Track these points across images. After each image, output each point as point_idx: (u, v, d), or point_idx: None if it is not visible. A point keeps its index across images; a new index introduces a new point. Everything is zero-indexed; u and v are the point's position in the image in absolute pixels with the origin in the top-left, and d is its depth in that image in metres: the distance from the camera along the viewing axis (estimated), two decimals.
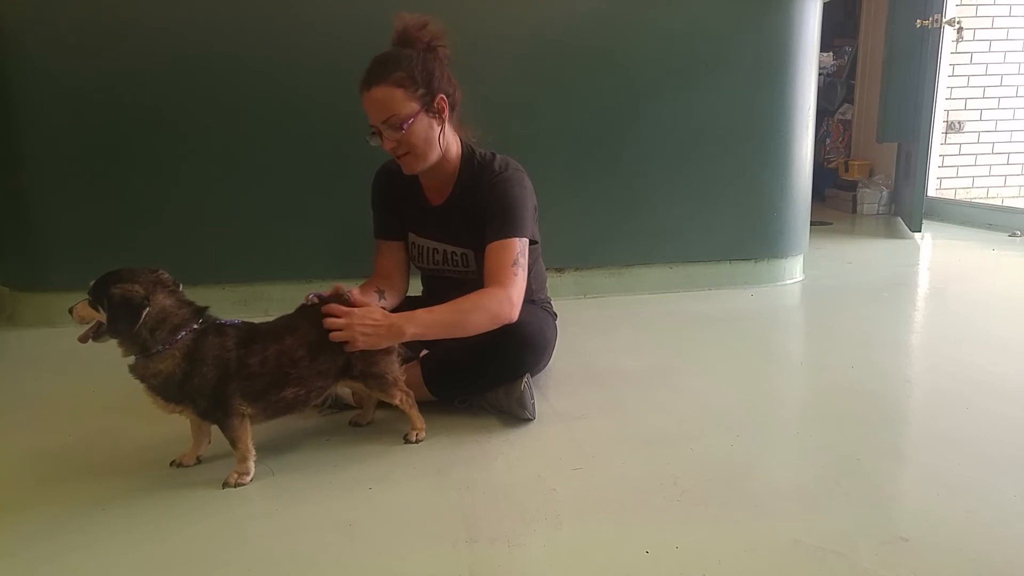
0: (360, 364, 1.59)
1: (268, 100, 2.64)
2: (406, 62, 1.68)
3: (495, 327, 1.68)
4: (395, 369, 1.64)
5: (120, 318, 1.38)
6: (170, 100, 2.60)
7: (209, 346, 1.45)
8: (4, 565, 1.24)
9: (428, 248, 1.92)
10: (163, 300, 1.43)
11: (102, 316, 1.39)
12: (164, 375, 1.42)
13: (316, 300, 1.60)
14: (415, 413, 1.68)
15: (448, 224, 1.87)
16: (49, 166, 2.59)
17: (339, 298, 1.60)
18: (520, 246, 1.74)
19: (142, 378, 1.43)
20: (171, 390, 1.43)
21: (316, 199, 2.73)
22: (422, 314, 1.64)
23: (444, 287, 1.90)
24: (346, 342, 1.54)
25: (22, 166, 2.58)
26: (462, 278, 1.88)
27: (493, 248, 1.74)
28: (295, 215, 2.74)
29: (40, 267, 2.65)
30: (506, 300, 1.67)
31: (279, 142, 2.68)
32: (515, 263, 1.72)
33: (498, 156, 1.86)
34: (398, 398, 1.65)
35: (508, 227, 1.74)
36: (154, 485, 1.50)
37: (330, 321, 1.54)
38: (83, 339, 1.44)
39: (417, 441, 1.67)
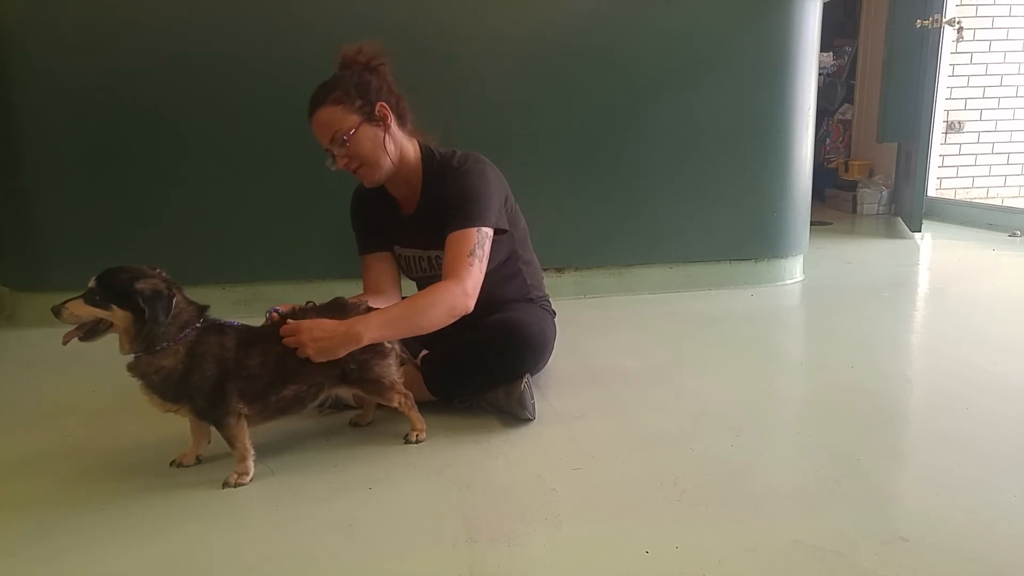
0: (356, 370, 1.58)
1: (268, 100, 2.64)
2: (340, 81, 1.72)
3: (453, 320, 1.66)
4: (392, 373, 1.64)
5: (158, 310, 1.37)
6: (170, 100, 2.60)
7: (210, 344, 1.46)
8: (4, 565, 1.24)
9: (413, 257, 1.91)
10: (178, 295, 1.44)
11: (106, 314, 1.39)
12: (166, 371, 1.42)
13: (276, 317, 1.59)
14: (415, 414, 1.68)
15: (424, 230, 1.85)
16: (49, 166, 2.59)
17: (299, 313, 1.60)
18: (478, 237, 1.71)
19: (142, 375, 1.43)
20: (170, 387, 1.43)
21: (316, 199, 2.73)
22: (376, 316, 1.61)
23: None
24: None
25: (22, 166, 2.58)
26: None
27: (450, 240, 1.72)
28: (295, 215, 2.74)
29: (40, 267, 2.66)
30: (461, 293, 1.65)
31: (279, 142, 2.68)
32: (471, 254, 1.69)
33: (459, 152, 1.85)
34: (396, 401, 1.65)
35: (464, 218, 1.72)
36: (154, 485, 1.50)
37: (287, 341, 1.52)
38: (67, 339, 1.41)
39: (417, 441, 1.67)
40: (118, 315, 1.39)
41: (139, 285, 1.38)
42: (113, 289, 1.38)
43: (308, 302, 1.68)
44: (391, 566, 1.22)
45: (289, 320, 1.56)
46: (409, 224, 1.88)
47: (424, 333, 1.68)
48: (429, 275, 1.92)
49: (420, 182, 1.84)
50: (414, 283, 2.02)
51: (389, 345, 1.63)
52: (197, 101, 2.62)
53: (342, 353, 1.55)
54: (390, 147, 1.76)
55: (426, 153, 1.84)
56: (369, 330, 1.57)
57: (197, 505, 1.42)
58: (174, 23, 2.56)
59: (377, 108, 1.73)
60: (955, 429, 1.71)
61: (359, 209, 1.96)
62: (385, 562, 1.23)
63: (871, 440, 1.67)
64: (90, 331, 1.41)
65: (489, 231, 1.74)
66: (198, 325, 1.46)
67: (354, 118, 1.70)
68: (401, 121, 1.79)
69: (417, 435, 1.67)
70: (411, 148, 1.82)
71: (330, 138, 1.70)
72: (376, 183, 1.79)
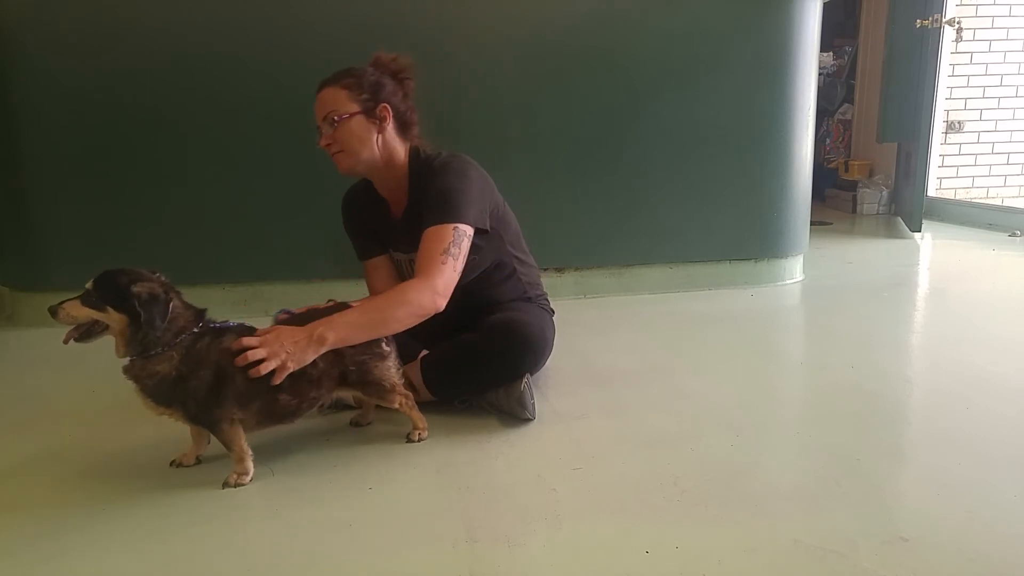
0: (356, 372, 1.57)
1: (268, 100, 2.64)
2: (358, 72, 1.75)
3: (421, 320, 1.62)
4: (392, 375, 1.63)
5: (154, 314, 1.37)
6: (170, 100, 2.60)
7: (207, 349, 1.45)
8: (4, 565, 1.24)
9: (405, 262, 1.89)
10: (175, 299, 1.44)
11: (102, 316, 1.38)
12: (159, 376, 1.41)
13: (287, 316, 1.60)
14: (416, 414, 1.68)
15: (411, 233, 1.79)
16: (49, 166, 2.59)
17: (314, 314, 1.59)
18: (454, 234, 1.67)
19: (136, 379, 1.43)
20: (163, 392, 1.43)
21: (316, 199, 2.73)
22: (339, 317, 1.56)
23: None
24: (273, 371, 1.45)
25: (22, 166, 2.58)
26: None
27: (425, 236, 1.69)
28: (295, 215, 2.74)
29: (40, 267, 2.66)
30: (429, 290, 1.61)
31: (279, 142, 2.68)
32: (445, 251, 1.65)
33: (443, 152, 1.84)
34: (397, 403, 1.64)
35: (441, 214, 1.69)
36: (154, 485, 1.50)
37: (250, 353, 1.44)
38: (68, 339, 1.41)
39: (419, 440, 1.67)
40: (113, 317, 1.39)
41: (135, 288, 1.38)
42: (110, 291, 1.38)
43: (330, 300, 1.68)
44: (391, 566, 1.22)
45: (244, 338, 1.48)
46: (398, 228, 1.87)
47: (391, 333, 1.63)
48: None
49: (407, 184, 1.83)
50: None
51: (388, 347, 1.63)
52: (197, 101, 2.62)
53: (312, 357, 1.50)
54: (378, 146, 1.76)
55: (413, 155, 1.82)
56: (333, 331, 1.52)
57: (197, 505, 1.42)
58: (174, 23, 2.56)
59: (380, 108, 1.74)
60: (955, 429, 1.71)
61: (351, 214, 1.97)
62: (385, 562, 1.23)
63: (871, 440, 1.67)
64: (86, 332, 1.41)
65: (467, 229, 1.70)
66: (195, 330, 1.45)
67: (353, 107, 1.72)
68: (402, 128, 1.80)
69: (419, 434, 1.67)
70: (402, 151, 1.81)
71: (324, 116, 1.73)
72: (349, 172, 1.80)
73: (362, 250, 1.96)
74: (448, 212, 1.69)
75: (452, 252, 1.65)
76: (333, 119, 1.72)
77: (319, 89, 1.75)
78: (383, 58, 1.80)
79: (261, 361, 1.45)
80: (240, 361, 1.44)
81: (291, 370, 1.47)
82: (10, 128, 2.55)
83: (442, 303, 1.63)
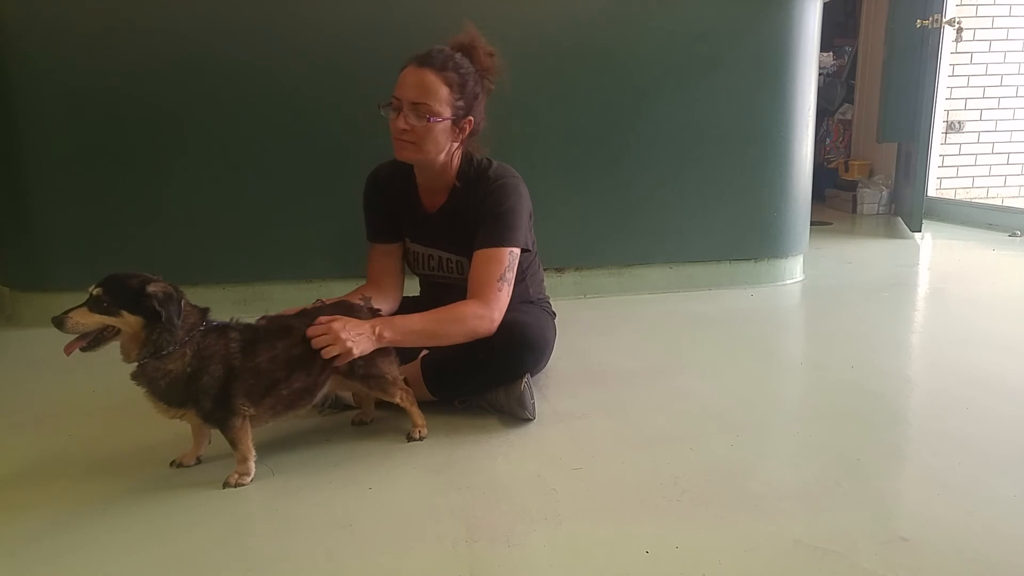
0: (363, 366, 1.59)
1: (268, 100, 2.64)
2: (465, 72, 1.72)
3: (471, 340, 1.69)
4: (394, 369, 1.66)
5: (172, 312, 1.37)
6: (170, 100, 2.60)
7: (216, 344, 1.46)
8: (4, 565, 1.24)
9: (423, 255, 1.92)
10: (182, 296, 1.44)
11: (115, 321, 1.37)
12: (173, 375, 1.41)
13: (322, 303, 1.65)
14: (415, 410, 1.69)
15: (442, 231, 1.86)
16: (49, 166, 2.58)
17: (323, 309, 1.63)
18: (509, 259, 1.74)
19: (149, 382, 1.42)
20: (177, 391, 1.43)
21: (316, 199, 2.73)
22: (400, 320, 1.66)
23: (439, 291, 1.91)
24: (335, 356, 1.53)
25: (22, 166, 2.58)
26: (457, 283, 1.88)
27: (481, 257, 1.73)
28: (295, 215, 2.74)
29: (40, 267, 2.65)
30: (487, 318, 1.68)
31: (279, 142, 2.68)
32: (501, 278, 1.71)
33: (495, 163, 1.85)
34: (398, 396, 1.66)
35: (499, 236, 1.74)
36: (154, 485, 1.50)
37: (319, 339, 1.52)
38: (71, 350, 1.38)
39: (420, 438, 1.67)
40: (129, 320, 1.38)
41: (151, 288, 1.37)
42: (123, 294, 1.37)
43: (317, 300, 1.70)
44: (391, 566, 1.22)
45: (320, 318, 1.56)
46: (427, 221, 1.89)
47: (441, 345, 1.70)
48: (436, 274, 1.93)
49: (451, 185, 1.83)
50: (417, 278, 2.04)
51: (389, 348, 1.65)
52: (197, 101, 2.62)
53: (370, 350, 1.57)
54: (448, 152, 1.77)
55: (466, 158, 1.83)
56: (391, 331, 1.61)
57: (197, 505, 1.42)
58: (174, 23, 2.55)
59: (466, 120, 1.74)
60: (955, 429, 1.71)
61: (376, 197, 1.95)
62: (385, 562, 1.23)
63: (871, 440, 1.67)
64: (95, 340, 1.38)
65: (518, 252, 1.77)
66: (202, 327, 1.46)
67: (447, 111, 1.69)
68: (472, 139, 1.81)
69: (419, 431, 1.68)
70: (459, 158, 1.83)
71: (415, 100, 1.67)
72: (406, 160, 1.77)
73: (375, 231, 1.95)
74: (505, 235, 1.74)
75: (507, 278, 1.72)
76: (427, 116, 1.67)
77: (420, 65, 1.67)
78: (480, 48, 1.76)
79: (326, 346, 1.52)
80: (317, 344, 1.51)
81: (354, 356, 1.54)
82: (10, 128, 2.55)
83: (495, 328, 1.70)
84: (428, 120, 1.67)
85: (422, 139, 1.70)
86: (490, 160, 1.86)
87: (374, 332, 1.58)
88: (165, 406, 1.44)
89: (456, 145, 1.78)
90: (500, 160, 1.89)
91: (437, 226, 1.87)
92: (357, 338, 1.54)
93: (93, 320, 1.36)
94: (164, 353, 1.41)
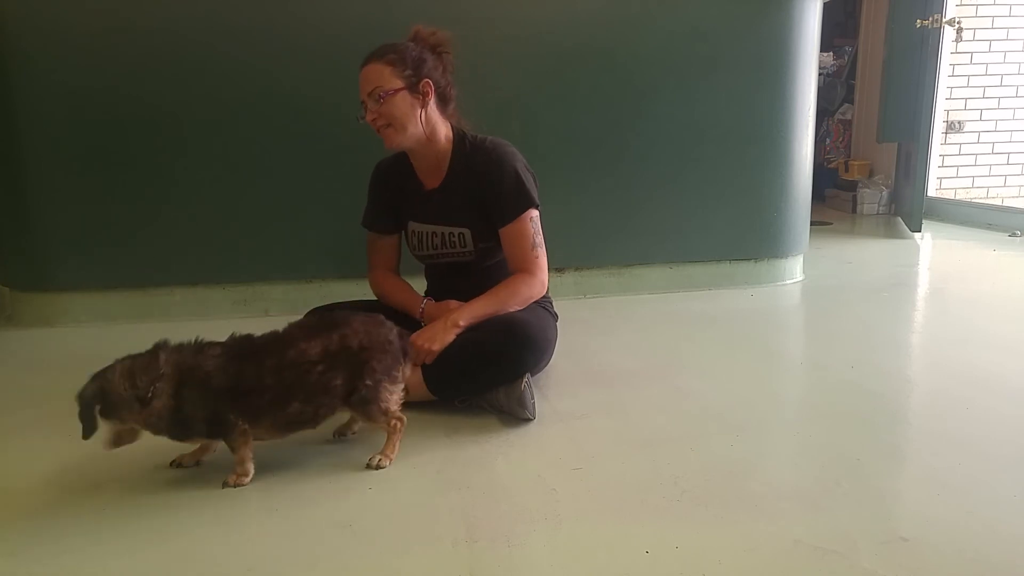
0: (367, 391, 1.51)
1: (268, 100, 2.64)
2: (401, 48, 1.82)
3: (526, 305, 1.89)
4: (393, 402, 1.56)
5: (85, 422, 1.42)
6: (170, 100, 2.60)
7: (189, 369, 1.43)
8: (4, 565, 1.24)
9: (427, 233, 1.97)
10: (117, 370, 1.42)
11: (125, 426, 1.44)
12: (158, 413, 1.41)
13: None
14: (396, 440, 1.58)
15: (444, 205, 1.93)
16: (49, 166, 2.58)
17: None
18: (533, 225, 1.88)
19: (155, 430, 1.44)
20: (173, 426, 1.43)
21: (316, 199, 2.73)
22: (468, 307, 1.83)
23: (447, 276, 1.99)
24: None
25: (22, 166, 2.58)
26: (462, 261, 1.95)
27: (507, 235, 1.88)
28: (295, 215, 2.74)
29: (40, 267, 2.65)
30: (538, 284, 1.90)
31: (279, 142, 2.68)
32: (533, 245, 1.88)
33: (489, 137, 1.94)
34: (383, 424, 1.57)
35: (514, 206, 1.86)
36: (154, 485, 1.50)
37: (422, 348, 1.74)
38: (110, 447, 1.46)
39: (378, 467, 1.54)
40: (133, 419, 1.44)
41: (80, 397, 1.41)
42: (109, 404, 1.42)
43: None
44: (391, 566, 1.22)
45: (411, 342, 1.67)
46: (429, 198, 1.95)
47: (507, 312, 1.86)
48: (439, 252, 1.96)
49: (447, 160, 1.91)
50: (419, 268, 2.09)
51: (401, 375, 1.58)
52: (197, 101, 2.62)
53: (450, 340, 1.76)
54: (421, 121, 1.83)
55: (458, 135, 1.93)
56: (464, 318, 1.80)
57: (197, 505, 1.42)
58: (174, 23, 2.56)
59: (422, 84, 1.81)
60: (955, 429, 1.71)
61: (383, 180, 2.05)
62: (385, 562, 1.23)
63: (871, 440, 1.67)
64: (128, 433, 1.47)
65: (536, 213, 1.90)
66: (163, 357, 1.43)
67: (398, 83, 1.78)
68: (442, 103, 1.89)
69: (381, 460, 1.55)
70: (444, 128, 1.91)
71: (369, 91, 1.79)
72: (396, 147, 1.87)
73: (373, 220, 2.05)
74: (520, 202, 1.87)
75: (537, 242, 1.90)
76: (379, 95, 1.77)
77: (363, 64, 1.80)
78: (422, 32, 1.87)
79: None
80: (421, 358, 1.75)
81: (436, 353, 1.74)
82: (10, 128, 2.55)
83: (546, 287, 1.94)
84: (381, 99, 1.77)
85: (392, 117, 1.79)
86: (485, 136, 1.94)
87: (448, 323, 1.78)
88: (177, 440, 1.47)
89: (424, 111, 1.83)
90: None
91: (439, 201, 1.94)
92: (431, 334, 1.76)
93: (121, 428, 1.45)
94: (149, 398, 1.40)
